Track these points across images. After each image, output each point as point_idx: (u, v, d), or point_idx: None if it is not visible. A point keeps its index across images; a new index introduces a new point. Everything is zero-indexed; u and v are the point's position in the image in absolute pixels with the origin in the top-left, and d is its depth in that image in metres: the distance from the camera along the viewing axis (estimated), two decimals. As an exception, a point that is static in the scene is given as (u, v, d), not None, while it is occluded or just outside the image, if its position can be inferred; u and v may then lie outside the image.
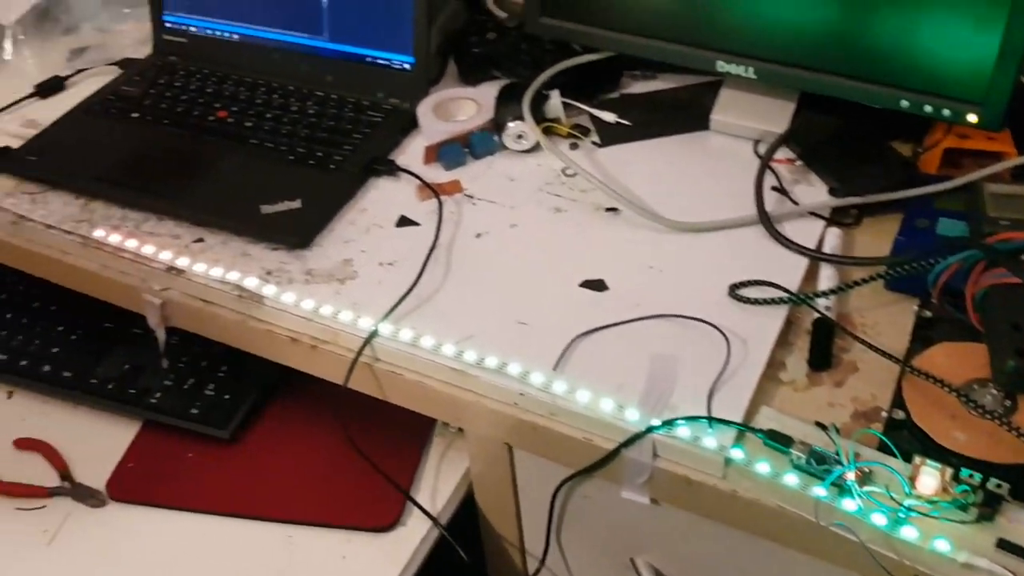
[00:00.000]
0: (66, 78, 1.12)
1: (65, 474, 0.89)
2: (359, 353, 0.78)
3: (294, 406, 0.94)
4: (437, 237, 0.86)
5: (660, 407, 0.69)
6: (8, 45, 1.14)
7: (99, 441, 0.92)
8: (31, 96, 1.10)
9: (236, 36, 1.09)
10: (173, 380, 0.94)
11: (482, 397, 0.75)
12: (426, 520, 0.83)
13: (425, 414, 0.80)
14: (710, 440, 0.67)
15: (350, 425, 0.79)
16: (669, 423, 0.68)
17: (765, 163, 0.90)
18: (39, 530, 0.85)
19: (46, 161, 0.98)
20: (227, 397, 0.93)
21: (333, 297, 0.81)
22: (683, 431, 0.68)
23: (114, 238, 0.89)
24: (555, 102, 0.97)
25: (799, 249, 0.82)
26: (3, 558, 0.83)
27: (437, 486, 0.86)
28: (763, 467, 0.66)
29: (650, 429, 0.68)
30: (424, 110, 0.99)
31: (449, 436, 0.89)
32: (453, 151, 0.96)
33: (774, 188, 0.89)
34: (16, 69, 1.14)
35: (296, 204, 0.89)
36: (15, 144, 1.01)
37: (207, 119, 1.01)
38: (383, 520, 0.83)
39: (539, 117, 0.95)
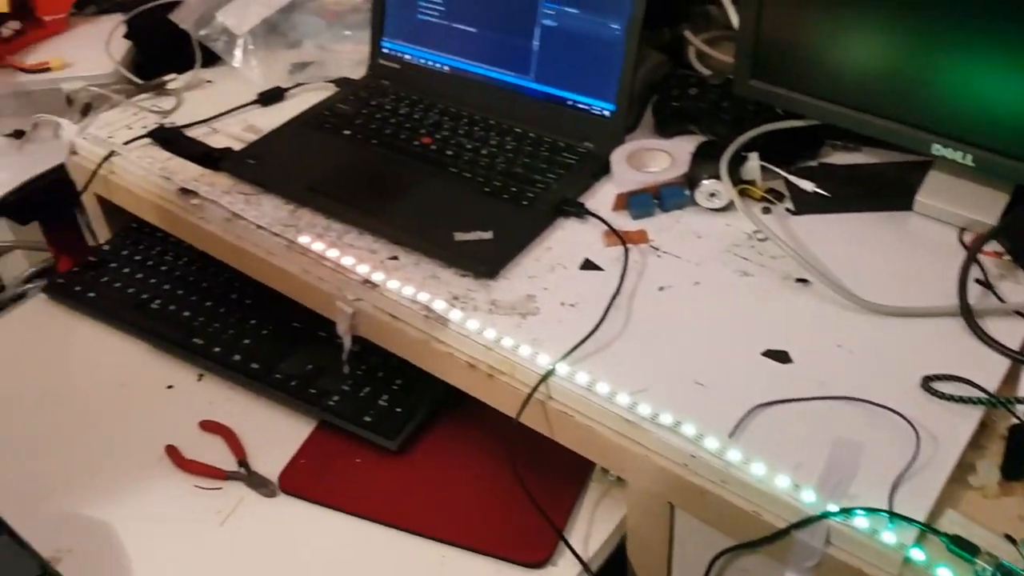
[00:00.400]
0: (286, 90, 1.19)
1: (243, 461, 0.94)
2: (534, 389, 0.80)
3: (460, 427, 0.96)
4: (621, 284, 0.87)
5: (839, 493, 0.68)
6: (239, 53, 1.23)
7: (276, 434, 0.97)
8: (254, 103, 1.18)
9: (447, 68, 1.14)
10: (350, 386, 0.98)
11: (651, 452, 0.75)
12: (576, 564, 0.83)
13: (589, 458, 0.81)
14: (889, 535, 0.65)
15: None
16: (847, 511, 0.66)
17: (972, 254, 0.86)
18: (213, 510, 0.90)
19: (262, 166, 1.05)
20: (399, 410, 0.96)
21: (514, 330, 0.84)
22: (860, 521, 0.66)
23: (317, 246, 0.94)
24: (753, 164, 0.96)
25: (1002, 349, 0.78)
26: (179, 531, 0.89)
27: (590, 532, 0.86)
28: (944, 573, 0.63)
29: (826, 515, 0.66)
30: (618, 158, 1.01)
31: (607, 483, 0.89)
32: (643, 201, 0.97)
33: (978, 281, 0.85)
34: (243, 76, 1.22)
35: (488, 235, 0.92)
36: (236, 146, 1.09)
37: (412, 143, 1.06)
38: (535, 556, 0.84)
39: (735, 178, 0.95)
